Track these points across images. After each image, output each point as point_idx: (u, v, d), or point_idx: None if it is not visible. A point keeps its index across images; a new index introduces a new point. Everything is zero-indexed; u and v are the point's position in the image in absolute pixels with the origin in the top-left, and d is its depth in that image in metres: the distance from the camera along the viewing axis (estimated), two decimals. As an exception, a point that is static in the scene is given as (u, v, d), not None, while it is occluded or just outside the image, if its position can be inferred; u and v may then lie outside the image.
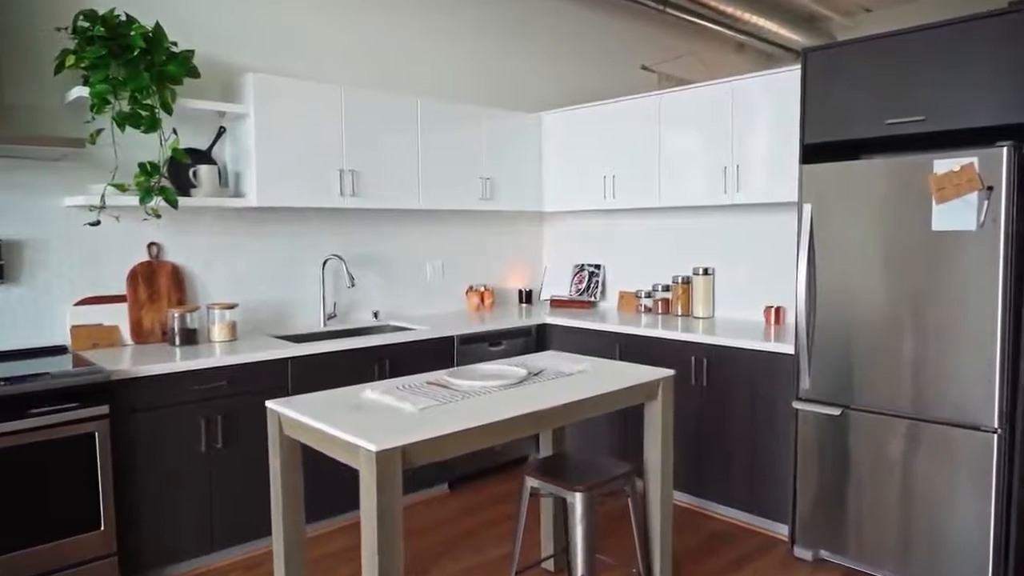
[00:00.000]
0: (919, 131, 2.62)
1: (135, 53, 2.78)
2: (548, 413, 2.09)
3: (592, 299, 4.50)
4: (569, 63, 5.03)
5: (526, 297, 4.72)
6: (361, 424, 1.84)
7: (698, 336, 3.36)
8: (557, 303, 4.57)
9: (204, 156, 3.35)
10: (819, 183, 2.85)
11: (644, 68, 5.61)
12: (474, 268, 4.56)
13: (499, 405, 2.04)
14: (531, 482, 2.40)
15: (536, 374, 2.43)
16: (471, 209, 4.10)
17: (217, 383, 2.86)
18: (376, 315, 4.03)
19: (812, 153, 2.95)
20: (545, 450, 2.85)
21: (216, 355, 2.92)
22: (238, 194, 3.36)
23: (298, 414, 1.96)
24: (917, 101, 2.62)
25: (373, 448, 1.68)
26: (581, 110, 4.25)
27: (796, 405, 2.94)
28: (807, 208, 2.88)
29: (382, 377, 3.39)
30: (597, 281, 4.54)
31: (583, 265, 4.65)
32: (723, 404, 3.31)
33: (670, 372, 2.49)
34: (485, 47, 4.53)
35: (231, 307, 3.29)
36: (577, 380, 2.36)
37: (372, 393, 2.15)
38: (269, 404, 2.10)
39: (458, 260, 4.47)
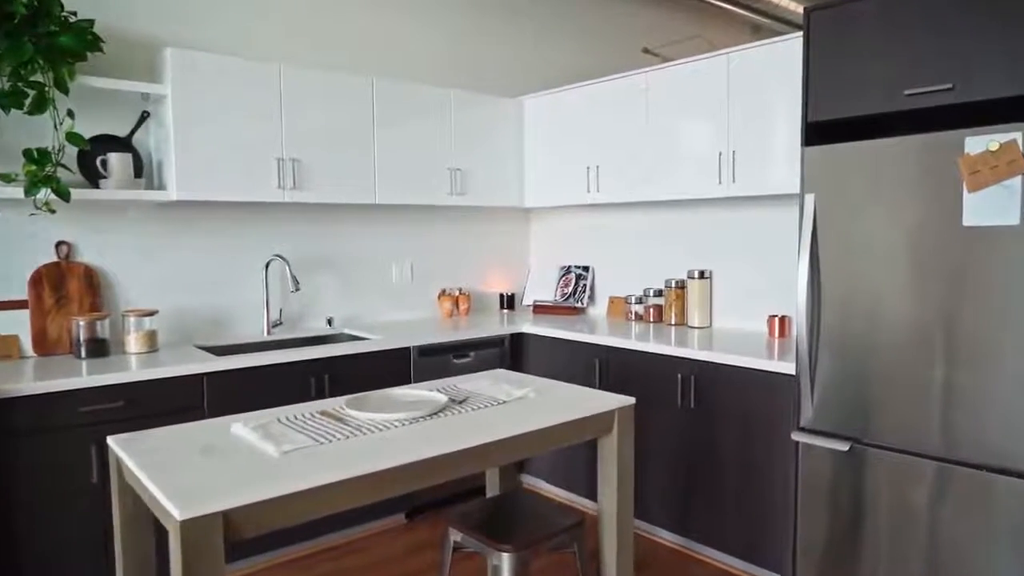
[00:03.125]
0: (946, 102, 2.11)
1: (16, 21, 2.40)
2: (455, 458, 1.64)
3: (579, 305, 4.03)
4: (560, 45, 4.56)
5: (508, 302, 4.26)
6: (192, 475, 1.41)
7: (685, 350, 2.88)
8: (540, 309, 4.11)
9: (123, 144, 2.97)
10: (824, 169, 2.35)
11: (646, 51, 5.11)
12: (449, 270, 4.12)
13: (393, 447, 1.59)
14: (454, 535, 1.96)
15: (460, 402, 1.98)
16: (440, 204, 3.66)
17: (112, 404, 2.46)
18: (330, 322, 3.61)
19: (817, 134, 2.45)
20: (492, 487, 2.40)
21: (131, 368, 2.54)
22: (161, 186, 2.97)
23: (126, 455, 1.54)
24: (944, 65, 2.10)
25: (177, 515, 1.24)
26: (561, 93, 3.79)
27: (796, 436, 2.44)
28: (809, 199, 2.38)
29: (319, 395, 2.96)
30: (585, 285, 4.06)
31: (570, 267, 4.18)
32: (713, 430, 2.82)
33: (629, 401, 2.02)
34: (458, 24, 4.08)
35: (150, 314, 2.90)
36: (510, 411, 1.90)
37: (242, 427, 1.72)
38: (110, 440, 1.69)
39: (430, 261, 4.04)
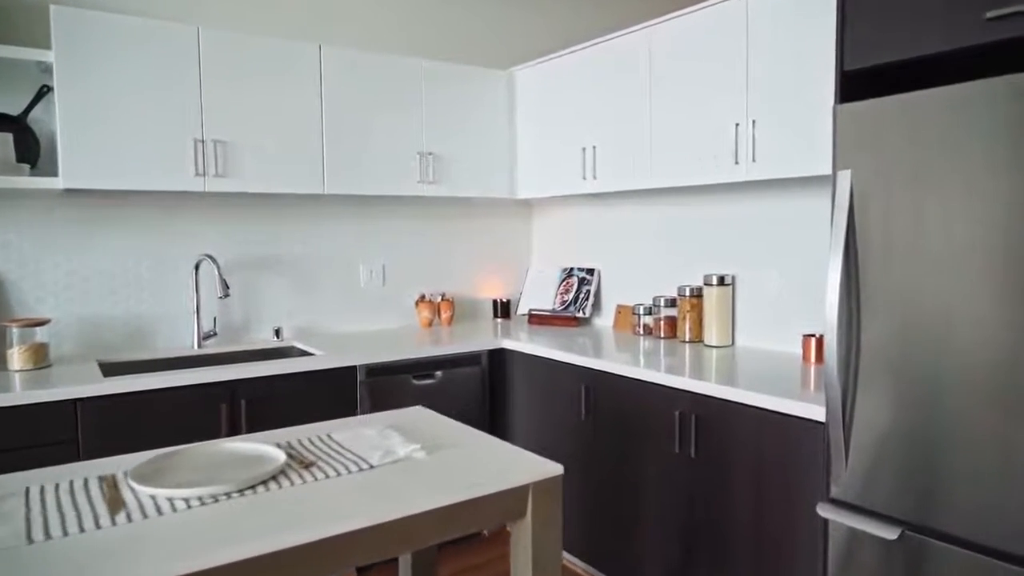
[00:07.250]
0: (1053, 26, 1.39)
1: None
2: (241, 572, 1.05)
3: (580, 314, 3.38)
4: (563, 7, 3.91)
5: (503, 310, 3.66)
6: None
7: (685, 381, 2.21)
8: (537, 319, 3.48)
9: (14, 124, 2.52)
10: (867, 133, 1.65)
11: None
12: (432, 272, 3.55)
13: (146, 552, 1.03)
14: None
15: (308, 465, 1.39)
16: (408, 195, 3.09)
17: (-53, 438, 2.00)
18: (278, 333, 3.09)
19: (857, 87, 1.75)
20: (404, 567, 1.81)
21: (14, 389, 2.08)
22: (56, 172, 2.51)
23: None
24: (1050, -30, 1.39)
25: None
26: (552, 62, 3.15)
27: (824, 512, 1.75)
28: (844, 177, 1.69)
29: (233, 429, 2.43)
30: (588, 291, 3.42)
31: (571, 269, 3.53)
32: (720, 488, 2.14)
33: (554, 471, 1.38)
34: (446, -12, 3.50)
35: (39, 324, 2.44)
36: (370, 483, 1.31)
37: (-40, 506, 1.18)
38: None
39: (407, 262, 3.47)
